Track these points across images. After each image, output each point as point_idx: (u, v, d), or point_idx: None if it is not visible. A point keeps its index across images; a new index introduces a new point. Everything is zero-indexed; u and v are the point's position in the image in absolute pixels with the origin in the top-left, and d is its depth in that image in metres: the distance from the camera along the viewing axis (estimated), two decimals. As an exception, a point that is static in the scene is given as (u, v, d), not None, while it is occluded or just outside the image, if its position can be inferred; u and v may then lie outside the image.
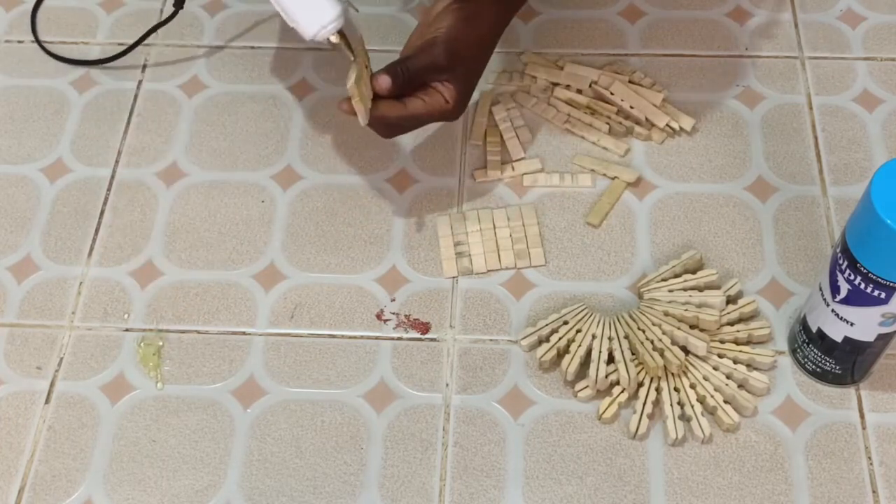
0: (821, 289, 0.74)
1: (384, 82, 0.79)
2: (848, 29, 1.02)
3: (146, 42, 1.02)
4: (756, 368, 0.81)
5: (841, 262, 0.70)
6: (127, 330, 0.85)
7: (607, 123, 0.94)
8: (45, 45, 1.03)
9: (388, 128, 0.82)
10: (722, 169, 0.92)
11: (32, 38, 1.03)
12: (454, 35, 0.81)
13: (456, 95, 0.81)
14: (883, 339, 0.74)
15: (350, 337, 0.84)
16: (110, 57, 1.00)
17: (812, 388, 0.80)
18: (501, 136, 0.94)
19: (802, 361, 0.80)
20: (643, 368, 0.79)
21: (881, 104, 0.96)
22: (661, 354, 0.79)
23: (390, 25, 1.03)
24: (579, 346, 0.80)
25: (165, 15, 1.02)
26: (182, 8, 0.96)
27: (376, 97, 0.80)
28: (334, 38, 0.77)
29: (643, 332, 0.80)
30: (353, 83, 0.76)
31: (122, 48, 1.01)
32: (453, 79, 0.81)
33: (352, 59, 0.78)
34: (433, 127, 0.95)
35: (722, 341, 0.81)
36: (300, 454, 0.79)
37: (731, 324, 0.82)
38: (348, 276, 0.87)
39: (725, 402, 0.78)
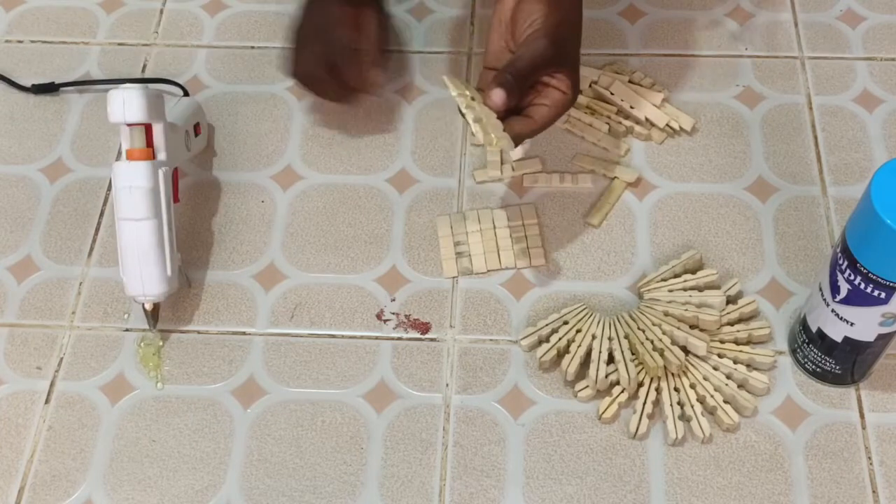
0: (821, 289, 0.74)
1: (498, 98, 0.74)
2: (848, 29, 1.02)
3: (147, 42, 1.02)
4: (756, 368, 0.81)
5: (841, 262, 0.70)
6: (127, 330, 0.85)
7: (607, 123, 0.94)
8: (45, 44, 1.03)
9: (517, 139, 0.78)
10: (722, 169, 0.92)
11: (30, 40, 1.03)
12: (551, 23, 0.77)
13: (572, 84, 0.78)
14: (883, 339, 0.74)
15: (350, 337, 0.84)
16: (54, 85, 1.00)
17: (812, 388, 0.80)
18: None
19: (802, 361, 0.80)
20: (643, 368, 0.79)
21: (881, 104, 0.96)
22: (661, 354, 0.79)
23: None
24: (579, 346, 0.80)
25: (165, 16, 1.03)
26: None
27: (499, 117, 0.75)
28: (148, 306, 0.82)
29: (643, 332, 0.80)
30: (486, 136, 0.73)
31: (122, 49, 1.01)
32: (563, 68, 0.78)
33: (151, 328, 0.82)
34: (433, 127, 0.95)
35: (722, 341, 0.81)
36: (300, 454, 0.79)
37: (731, 324, 0.82)
38: (348, 276, 0.87)
39: (725, 402, 0.78)
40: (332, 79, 0.88)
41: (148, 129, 0.80)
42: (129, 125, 0.79)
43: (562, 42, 0.78)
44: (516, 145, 0.77)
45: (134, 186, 0.79)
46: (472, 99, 0.76)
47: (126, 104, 0.78)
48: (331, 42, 0.86)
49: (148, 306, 0.82)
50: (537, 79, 0.78)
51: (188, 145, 0.89)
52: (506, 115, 0.76)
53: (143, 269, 0.80)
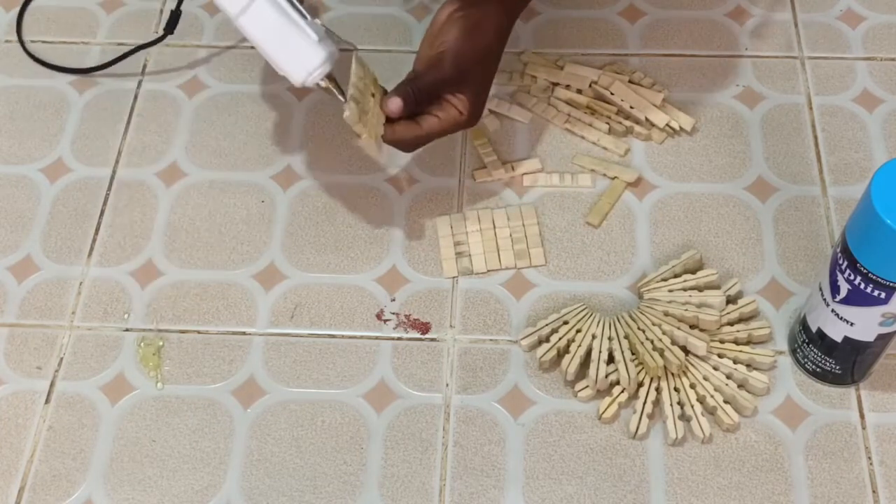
0: (821, 289, 0.74)
1: (395, 105, 0.78)
2: (848, 29, 1.02)
3: (147, 42, 1.02)
4: (756, 368, 0.81)
5: (841, 262, 0.70)
6: (127, 330, 0.85)
7: (607, 123, 0.94)
8: (45, 45, 1.03)
9: (405, 146, 0.83)
10: (722, 169, 0.92)
11: (31, 40, 1.03)
12: (460, 48, 0.81)
13: (469, 107, 0.81)
14: (883, 339, 0.74)
15: (350, 337, 0.84)
16: (97, 66, 1.00)
17: (812, 388, 0.80)
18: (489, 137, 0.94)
19: (802, 361, 0.80)
20: (643, 368, 0.79)
21: (881, 104, 0.96)
22: (661, 354, 0.79)
23: (391, 25, 1.03)
24: (579, 346, 0.80)
25: (165, 15, 1.03)
26: (172, 33, 0.95)
27: (390, 119, 0.79)
28: (323, 83, 0.78)
29: (643, 332, 0.80)
30: (356, 123, 0.75)
31: (122, 49, 1.01)
32: (465, 90, 0.81)
33: (343, 100, 0.77)
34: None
35: (722, 341, 0.81)
36: (300, 454, 0.79)
37: (731, 324, 0.82)
38: (348, 276, 0.87)
39: (725, 402, 0.78)
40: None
41: None
42: None
43: (467, 67, 0.81)
44: (399, 147, 0.81)
45: None
46: (373, 94, 0.79)
47: None
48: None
49: (323, 83, 0.77)
50: (438, 94, 0.81)
51: None
52: (396, 121, 0.80)
53: (289, 50, 0.75)
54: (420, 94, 0.80)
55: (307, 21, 0.77)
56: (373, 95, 0.79)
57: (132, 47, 0.99)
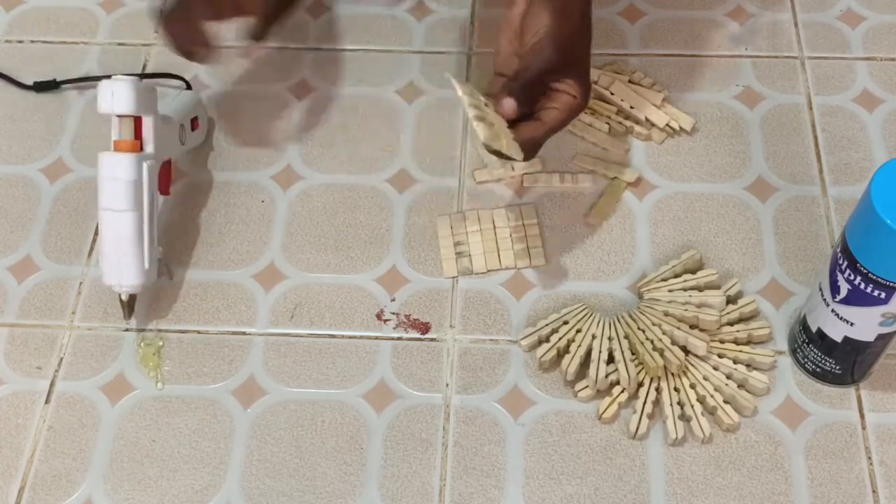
0: (821, 289, 0.74)
1: (509, 106, 0.76)
2: (848, 29, 1.02)
3: (146, 42, 1.02)
4: (756, 368, 0.81)
5: (841, 262, 0.70)
6: (127, 330, 0.85)
7: (607, 123, 0.94)
8: (45, 44, 1.03)
9: (532, 146, 0.79)
10: (722, 169, 0.92)
11: (31, 40, 1.04)
12: (557, 32, 0.78)
13: (581, 89, 0.78)
14: (883, 339, 0.74)
15: (350, 337, 0.84)
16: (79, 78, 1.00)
17: (812, 388, 0.81)
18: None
19: (802, 361, 0.80)
20: (643, 368, 0.79)
21: (881, 104, 0.96)
22: (661, 354, 0.79)
23: (391, 25, 1.03)
24: (579, 346, 0.80)
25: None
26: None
27: (510, 122, 0.77)
28: (124, 297, 0.82)
29: (643, 332, 0.80)
30: (496, 139, 0.74)
31: (122, 49, 1.01)
32: (571, 74, 0.78)
33: (126, 320, 0.83)
34: (433, 127, 0.95)
35: (722, 341, 0.81)
36: (300, 454, 0.79)
37: (731, 324, 0.82)
38: (348, 276, 0.87)
39: (725, 402, 0.78)
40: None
41: (137, 121, 0.81)
42: (117, 116, 0.80)
43: (568, 50, 0.78)
44: (528, 149, 0.77)
45: (117, 178, 0.79)
46: (485, 104, 0.76)
47: (115, 95, 0.79)
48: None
49: (123, 297, 0.82)
50: (545, 84, 0.78)
51: (182, 139, 0.89)
52: (515, 122, 0.77)
53: (120, 259, 0.80)
54: (528, 89, 0.78)
55: (151, 248, 0.82)
56: (486, 105, 0.77)
57: (138, 47, 0.99)
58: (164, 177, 0.86)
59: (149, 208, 0.81)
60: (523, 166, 0.92)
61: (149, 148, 0.82)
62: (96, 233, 0.90)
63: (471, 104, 0.74)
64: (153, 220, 0.82)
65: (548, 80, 0.78)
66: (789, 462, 0.77)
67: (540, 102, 0.79)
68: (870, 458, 0.77)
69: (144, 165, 0.80)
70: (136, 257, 0.81)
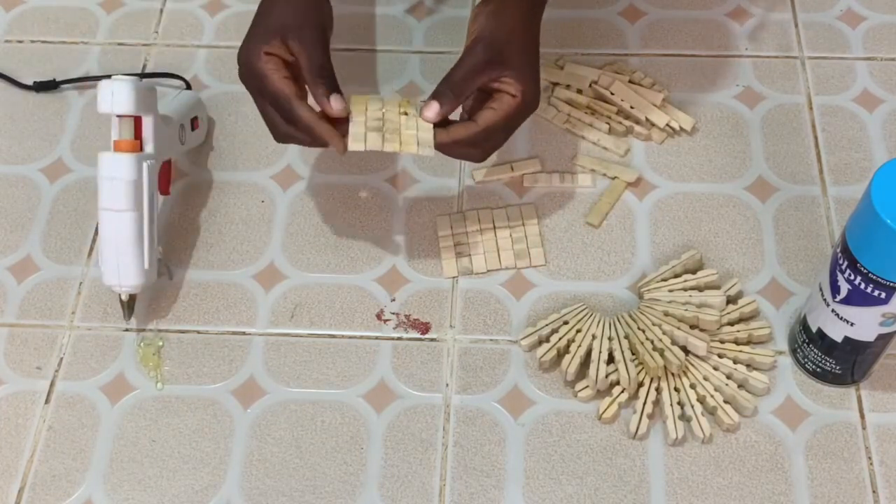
0: (821, 289, 0.74)
1: (431, 109, 0.76)
2: (848, 29, 1.02)
3: (146, 42, 1.02)
4: (756, 368, 0.81)
5: (841, 262, 0.70)
6: (127, 330, 0.85)
7: (607, 123, 0.94)
8: (45, 44, 1.03)
9: (474, 149, 0.78)
10: (722, 169, 0.92)
11: (31, 40, 1.04)
12: (486, 32, 0.78)
13: (520, 86, 0.77)
14: (883, 339, 0.74)
15: (350, 337, 0.84)
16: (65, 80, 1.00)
17: (812, 388, 0.80)
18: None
19: (802, 361, 0.80)
20: (643, 368, 0.79)
21: (881, 104, 0.96)
22: (661, 354, 0.79)
23: (391, 25, 1.03)
24: (579, 346, 0.80)
25: (165, 15, 1.03)
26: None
27: (443, 124, 0.77)
28: (124, 297, 0.82)
29: (643, 332, 0.80)
30: (380, 144, 0.74)
31: (122, 48, 1.01)
32: (507, 73, 0.77)
33: (126, 320, 0.84)
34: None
35: (722, 341, 0.81)
36: (300, 454, 0.79)
37: (731, 324, 0.82)
38: (348, 276, 0.87)
39: (725, 402, 0.78)
40: (304, 133, 0.78)
41: (137, 121, 0.80)
42: (117, 116, 0.80)
43: (500, 46, 0.77)
44: (458, 151, 0.77)
45: (116, 178, 0.79)
46: (405, 112, 0.77)
47: (115, 95, 0.79)
48: (278, 106, 0.78)
49: (123, 297, 0.82)
50: (487, 87, 0.78)
51: (182, 139, 0.89)
52: (450, 123, 0.77)
53: (120, 259, 0.80)
54: (460, 89, 0.76)
55: (151, 248, 0.81)
56: (405, 114, 0.77)
57: (137, 47, 0.99)
58: (164, 177, 0.86)
59: (149, 208, 0.81)
60: (523, 166, 0.92)
61: (149, 148, 0.82)
62: (96, 233, 0.90)
63: (370, 117, 0.75)
64: (153, 220, 0.82)
65: (478, 79, 0.77)
66: (789, 462, 0.77)
67: (485, 103, 0.78)
68: (870, 458, 0.77)
69: (144, 165, 0.80)
70: (136, 257, 0.81)
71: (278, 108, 0.77)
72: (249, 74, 0.79)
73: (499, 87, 0.77)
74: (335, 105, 0.75)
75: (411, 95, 0.98)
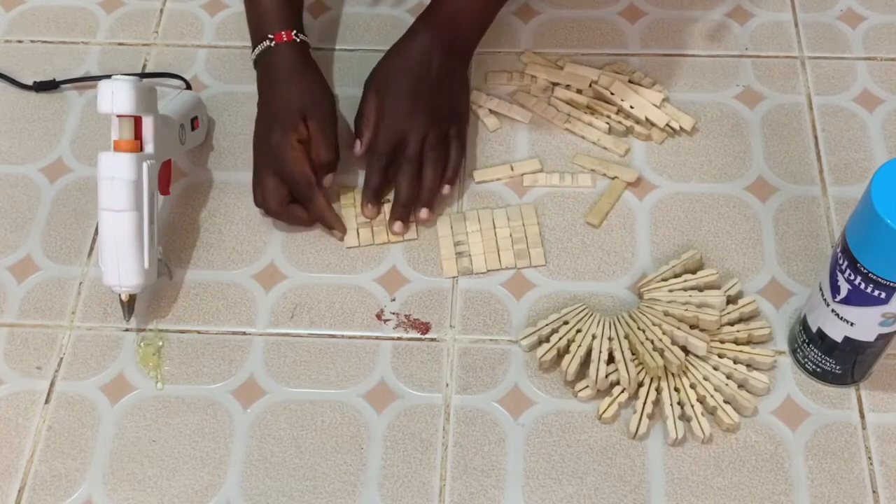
0: (821, 289, 0.74)
1: (370, 213, 0.88)
2: (848, 29, 1.02)
3: (146, 42, 1.03)
4: (756, 368, 0.81)
5: (841, 261, 0.70)
6: (127, 330, 0.85)
7: (607, 123, 0.94)
8: (45, 44, 1.03)
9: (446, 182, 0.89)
10: (722, 169, 0.92)
11: (31, 40, 1.04)
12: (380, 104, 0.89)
13: (458, 141, 0.90)
14: (883, 339, 0.74)
15: (350, 337, 0.84)
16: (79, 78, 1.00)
17: (812, 388, 0.80)
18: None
19: (802, 361, 0.80)
20: (643, 368, 0.79)
21: (881, 104, 0.96)
22: (661, 354, 0.79)
23: (391, 25, 1.03)
24: (579, 346, 0.80)
25: (165, 15, 1.03)
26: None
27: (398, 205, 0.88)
28: (124, 297, 0.82)
29: (643, 332, 0.80)
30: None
31: (122, 48, 1.01)
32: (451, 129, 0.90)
33: (126, 320, 0.84)
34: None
35: (722, 341, 0.81)
36: (300, 454, 0.79)
37: (731, 324, 0.82)
38: (348, 276, 0.87)
39: (725, 402, 0.78)
40: (294, 211, 0.88)
41: (137, 121, 0.81)
42: (117, 116, 0.80)
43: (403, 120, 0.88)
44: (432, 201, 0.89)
45: (116, 178, 0.79)
46: (387, 200, 0.90)
47: (115, 95, 0.78)
48: (296, 188, 0.87)
49: (123, 297, 0.82)
50: (396, 156, 0.88)
51: (182, 139, 0.89)
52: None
53: (120, 259, 0.80)
54: (385, 166, 0.88)
55: (151, 248, 0.82)
56: (388, 201, 0.90)
57: (137, 47, 0.99)
58: (164, 177, 0.86)
59: (149, 208, 0.81)
60: (523, 166, 0.92)
61: (149, 148, 0.82)
62: (96, 233, 0.90)
63: (346, 207, 0.89)
64: (153, 220, 0.82)
65: (388, 147, 0.88)
66: (789, 462, 0.77)
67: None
68: (870, 458, 0.77)
69: (144, 165, 0.80)
70: (136, 258, 0.81)
71: (296, 190, 0.87)
72: (276, 159, 0.86)
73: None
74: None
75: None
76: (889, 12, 1.03)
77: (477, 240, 0.88)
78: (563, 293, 0.86)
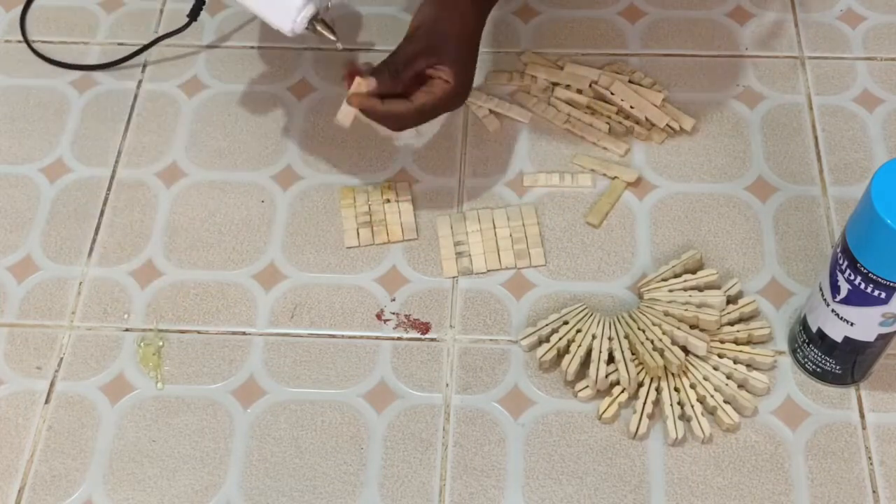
0: (821, 289, 0.74)
1: (369, 84, 0.81)
2: (848, 29, 1.02)
3: (147, 41, 1.03)
4: (756, 368, 0.81)
5: (841, 261, 0.70)
6: (127, 330, 0.85)
7: (607, 123, 0.94)
8: (45, 44, 1.03)
9: (400, 121, 0.84)
10: (722, 169, 0.92)
11: (31, 40, 1.03)
12: (430, 19, 0.83)
13: (453, 74, 0.82)
14: (883, 339, 0.74)
15: (350, 337, 0.84)
16: (110, 62, 1.00)
17: (812, 388, 0.81)
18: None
19: (802, 361, 0.80)
20: (643, 368, 0.79)
21: (881, 104, 0.96)
22: (661, 354, 0.79)
23: (391, 25, 1.03)
24: (579, 346, 0.80)
25: (165, 16, 1.03)
26: (196, 20, 0.95)
27: (385, 96, 0.82)
28: (310, 28, 0.79)
29: (643, 332, 0.80)
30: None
31: (122, 48, 1.01)
32: (446, 60, 0.82)
33: (335, 41, 0.80)
34: (433, 127, 0.95)
35: (722, 341, 0.81)
36: (300, 454, 0.79)
37: (731, 324, 0.82)
38: (348, 276, 0.87)
39: (725, 402, 0.78)
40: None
41: None
42: None
43: (437, 37, 0.82)
44: (391, 122, 0.84)
45: None
46: (387, 200, 0.90)
47: None
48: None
49: (310, 28, 0.79)
50: (422, 71, 0.82)
51: None
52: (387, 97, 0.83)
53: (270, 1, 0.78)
54: (398, 70, 0.82)
55: None
56: (388, 201, 0.90)
57: (137, 47, 1.00)
58: None
59: None
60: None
61: None
62: (96, 232, 0.90)
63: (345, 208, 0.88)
64: None
65: (423, 65, 0.82)
66: (789, 462, 0.77)
67: (417, 89, 0.83)
68: (870, 458, 0.77)
69: None
70: None
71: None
72: None
73: (433, 73, 0.82)
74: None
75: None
76: (889, 12, 1.03)
77: (477, 240, 0.88)
78: (563, 293, 0.86)
